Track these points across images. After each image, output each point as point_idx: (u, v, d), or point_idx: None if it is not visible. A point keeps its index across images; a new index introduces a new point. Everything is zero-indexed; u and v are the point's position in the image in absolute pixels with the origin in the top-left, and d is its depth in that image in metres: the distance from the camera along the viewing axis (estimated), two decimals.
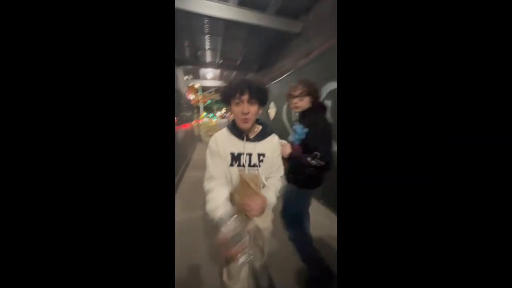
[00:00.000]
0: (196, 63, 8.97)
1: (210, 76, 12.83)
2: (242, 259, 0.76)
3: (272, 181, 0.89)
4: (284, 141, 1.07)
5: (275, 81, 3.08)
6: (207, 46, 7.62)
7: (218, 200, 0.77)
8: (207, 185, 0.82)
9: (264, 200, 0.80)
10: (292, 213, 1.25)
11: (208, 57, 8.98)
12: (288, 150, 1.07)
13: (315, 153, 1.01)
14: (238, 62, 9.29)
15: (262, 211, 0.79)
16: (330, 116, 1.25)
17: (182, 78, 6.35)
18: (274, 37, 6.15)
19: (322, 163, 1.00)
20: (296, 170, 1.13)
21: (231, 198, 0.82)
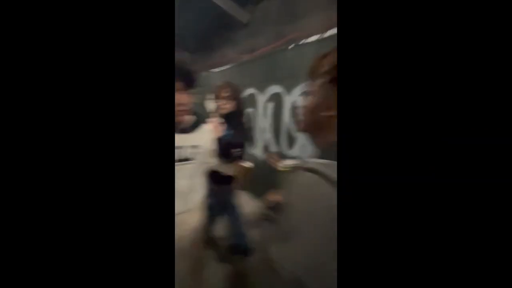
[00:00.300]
0: None
1: None
2: None
3: None
4: (217, 121, 1.13)
5: (216, 69, 2.85)
6: None
7: None
8: None
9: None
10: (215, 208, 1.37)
11: None
12: (219, 133, 1.11)
13: (238, 149, 1.15)
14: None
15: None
16: (248, 120, 1.39)
17: None
18: (218, 17, 5.72)
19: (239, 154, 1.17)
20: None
21: None
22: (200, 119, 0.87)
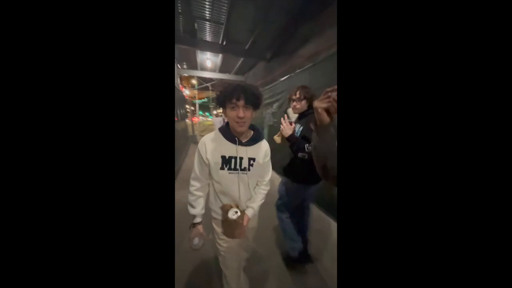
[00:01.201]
0: (192, 42, 5.56)
1: (210, 66, 9.02)
2: (196, 241, 0.90)
3: (259, 190, 0.98)
4: (288, 121, 1.24)
5: (285, 77, 2.78)
6: (208, 14, 4.51)
7: (196, 209, 0.92)
8: (192, 184, 0.92)
9: (245, 227, 0.89)
10: (284, 203, 1.44)
11: (209, 34, 5.55)
12: (289, 131, 1.22)
13: (307, 145, 1.17)
14: (247, 46, 5.91)
15: (243, 234, 0.91)
16: None
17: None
18: (295, 15, 4.05)
19: (305, 156, 1.17)
20: (290, 163, 1.32)
21: (223, 231, 0.93)
22: (258, 135, 0.93)
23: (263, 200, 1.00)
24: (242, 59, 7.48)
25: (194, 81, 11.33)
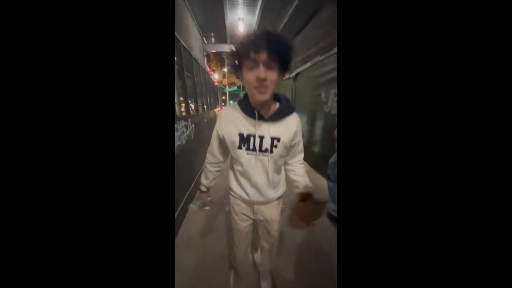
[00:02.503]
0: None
1: (242, 33, 6.80)
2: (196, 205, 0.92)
3: (298, 171, 0.80)
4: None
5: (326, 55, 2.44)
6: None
7: (206, 180, 0.87)
8: (207, 157, 0.83)
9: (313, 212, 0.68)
10: (332, 173, 1.61)
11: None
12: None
13: None
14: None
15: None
16: None
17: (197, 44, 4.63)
18: None
19: None
20: None
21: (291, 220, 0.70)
22: (286, 108, 0.70)
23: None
24: (288, 14, 5.47)
25: (225, 70, 8.83)
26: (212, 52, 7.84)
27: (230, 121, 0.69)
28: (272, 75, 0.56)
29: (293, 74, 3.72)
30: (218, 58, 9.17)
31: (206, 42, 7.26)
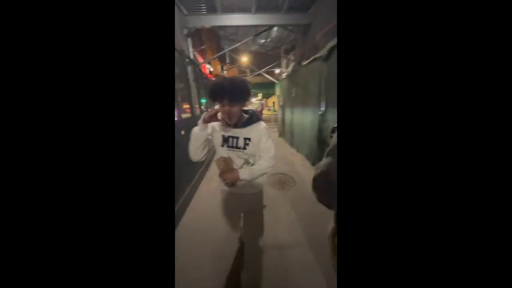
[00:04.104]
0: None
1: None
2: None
3: (260, 162, 1.04)
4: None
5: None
6: None
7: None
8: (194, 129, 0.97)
9: (236, 175, 0.97)
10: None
11: None
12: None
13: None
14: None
15: (233, 182, 1.00)
16: None
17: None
18: None
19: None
20: None
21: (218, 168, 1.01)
22: (252, 118, 1.00)
23: (264, 171, 1.05)
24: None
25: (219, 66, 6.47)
26: (203, 29, 4.98)
27: (217, 126, 1.03)
28: (235, 109, 0.92)
29: (324, 51, 2.63)
30: (212, 38, 5.98)
31: (186, 12, 4.63)
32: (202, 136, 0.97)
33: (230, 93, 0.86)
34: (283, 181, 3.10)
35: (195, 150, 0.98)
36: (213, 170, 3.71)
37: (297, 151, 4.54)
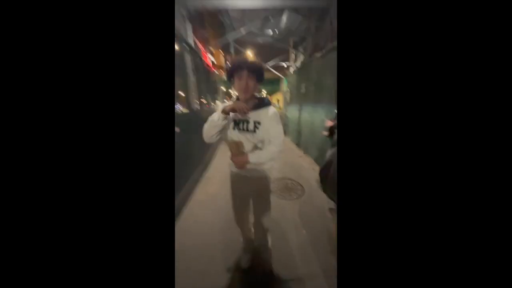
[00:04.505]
0: None
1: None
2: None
3: (268, 147, 1.05)
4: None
5: None
6: None
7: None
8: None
9: (246, 158, 1.02)
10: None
11: None
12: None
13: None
14: None
15: (242, 166, 1.06)
16: None
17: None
18: None
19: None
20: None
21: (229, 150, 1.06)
22: (262, 102, 1.05)
23: (272, 156, 1.06)
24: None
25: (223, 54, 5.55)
26: (206, 13, 4.15)
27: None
28: (251, 83, 0.98)
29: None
30: (216, 26, 5.25)
31: None
32: (220, 125, 0.99)
33: (250, 65, 0.95)
34: (289, 188, 2.68)
35: (211, 136, 1.03)
36: (214, 170, 3.37)
37: (305, 153, 4.13)
